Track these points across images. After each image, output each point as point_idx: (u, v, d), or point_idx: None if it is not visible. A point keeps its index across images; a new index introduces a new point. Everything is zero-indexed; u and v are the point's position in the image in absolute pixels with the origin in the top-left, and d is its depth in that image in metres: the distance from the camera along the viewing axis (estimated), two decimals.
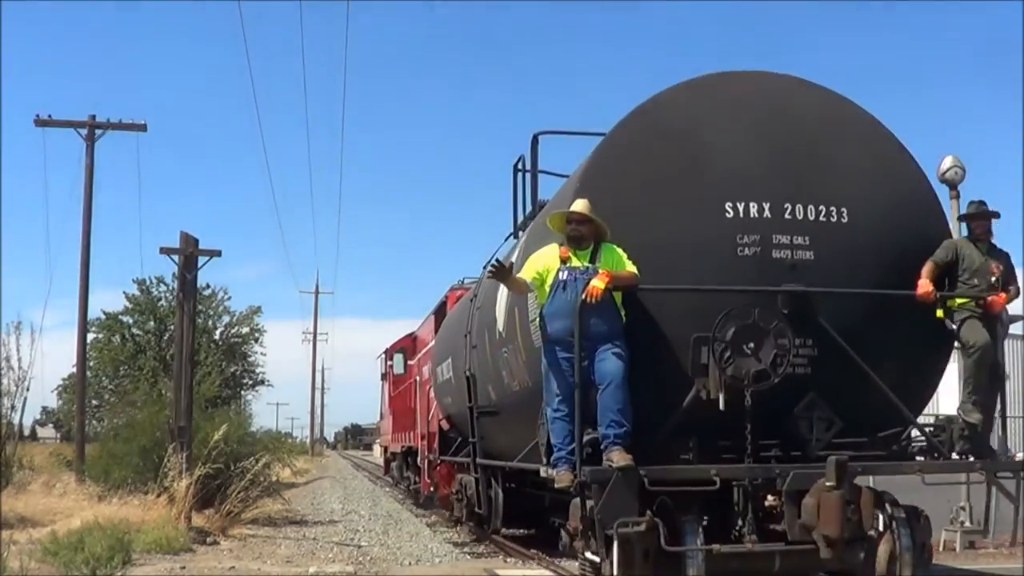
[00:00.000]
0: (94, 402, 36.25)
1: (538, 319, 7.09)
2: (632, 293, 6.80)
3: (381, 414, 29.46)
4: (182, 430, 13.84)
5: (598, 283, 6.53)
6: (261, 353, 48.16)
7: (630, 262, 6.78)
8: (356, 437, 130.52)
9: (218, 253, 15.27)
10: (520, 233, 10.71)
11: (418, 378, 18.89)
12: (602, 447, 6.55)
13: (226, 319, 45.54)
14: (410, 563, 11.60)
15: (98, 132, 23.77)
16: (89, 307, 24.22)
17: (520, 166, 10.65)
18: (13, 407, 16.94)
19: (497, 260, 6.62)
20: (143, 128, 24.50)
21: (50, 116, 23.81)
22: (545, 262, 7.01)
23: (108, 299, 67.98)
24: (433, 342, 16.28)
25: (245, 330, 46.59)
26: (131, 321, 41.88)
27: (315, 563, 11.23)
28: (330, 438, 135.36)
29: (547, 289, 6.93)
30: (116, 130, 24.16)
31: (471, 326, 11.01)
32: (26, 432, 31.56)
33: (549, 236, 7.36)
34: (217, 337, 44.45)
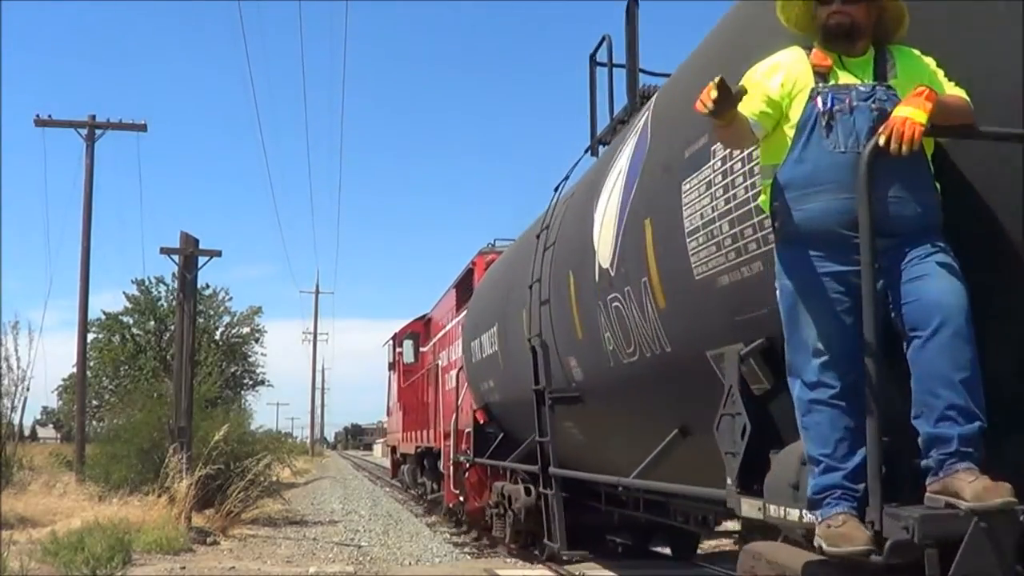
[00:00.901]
0: (94, 402, 36.23)
1: (767, 197, 3.54)
2: (944, 152, 3.28)
3: (388, 409, 25.73)
4: (182, 430, 13.86)
5: (914, 113, 3.05)
6: (261, 353, 48.16)
7: (950, 82, 3.28)
8: (356, 437, 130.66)
9: (218, 253, 15.33)
10: (601, 147, 7.51)
11: (439, 363, 16.04)
12: (926, 461, 3.09)
13: (226, 319, 45.51)
14: (410, 563, 11.58)
15: (98, 132, 23.80)
16: (89, 307, 24.26)
17: (602, 55, 7.36)
18: (13, 407, 16.96)
19: (721, 77, 3.32)
20: (143, 128, 24.54)
21: (50, 116, 23.85)
22: (787, 79, 3.45)
23: (108, 299, 68.06)
24: (459, 317, 13.43)
25: (245, 330, 46.53)
26: (131, 321, 41.84)
27: (315, 563, 11.22)
28: (330, 438, 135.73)
29: (789, 133, 3.43)
30: (116, 130, 24.22)
31: (540, 272, 7.68)
32: (26, 432, 31.55)
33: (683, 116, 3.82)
34: (217, 337, 44.40)
